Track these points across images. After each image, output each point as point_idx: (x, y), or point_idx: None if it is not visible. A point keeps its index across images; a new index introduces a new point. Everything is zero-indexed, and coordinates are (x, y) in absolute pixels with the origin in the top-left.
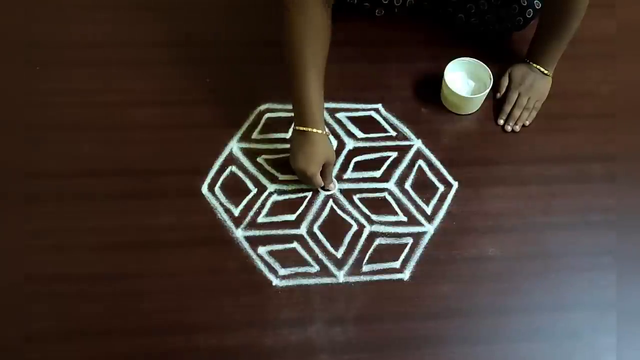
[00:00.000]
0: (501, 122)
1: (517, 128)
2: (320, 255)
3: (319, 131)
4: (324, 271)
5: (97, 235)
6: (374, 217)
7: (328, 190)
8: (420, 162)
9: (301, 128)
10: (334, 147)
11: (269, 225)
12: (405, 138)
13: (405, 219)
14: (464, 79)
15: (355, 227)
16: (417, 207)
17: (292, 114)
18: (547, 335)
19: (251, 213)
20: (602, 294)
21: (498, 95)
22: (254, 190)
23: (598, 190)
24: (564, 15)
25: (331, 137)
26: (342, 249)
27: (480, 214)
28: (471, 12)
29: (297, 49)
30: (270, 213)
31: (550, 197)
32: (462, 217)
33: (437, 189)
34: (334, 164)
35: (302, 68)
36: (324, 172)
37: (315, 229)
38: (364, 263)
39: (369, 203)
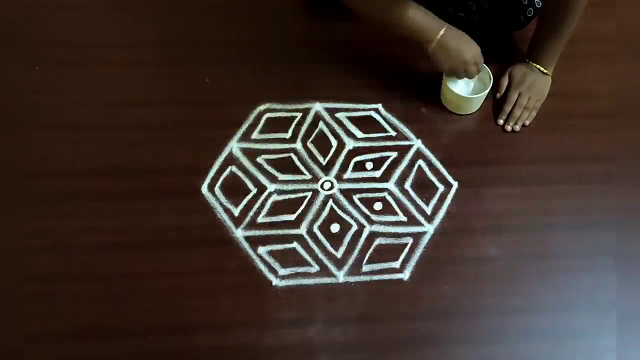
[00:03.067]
0: (501, 121)
1: (517, 128)
2: (320, 255)
3: (444, 28)
4: (324, 271)
5: (97, 235)
6: (373, 217)
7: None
8: (420, 162)
9: (434, 41)
10: (335, 146)
11: (268, 225)
12: (405, 138)
13: (405, 219)
14: (464, 79)
15: (355, 227)
16: (417, 207)
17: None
18: (547, 335)
19: (251, 213)
20: (602, 294)
21: (498, 95)
22: (254, 190)
23: (598, 190)
24: (562, 14)
25: (332, 136)
26: (342, 249)
27: (480, 214)
28: (472, 10)
29: None
30: (270, 213)
31: (550, 197)
32: (462, 217)
33: (437, 189)
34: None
35: (396, 9)
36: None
37: (315, 229)
38: (363, 263)
39: (369, 203)
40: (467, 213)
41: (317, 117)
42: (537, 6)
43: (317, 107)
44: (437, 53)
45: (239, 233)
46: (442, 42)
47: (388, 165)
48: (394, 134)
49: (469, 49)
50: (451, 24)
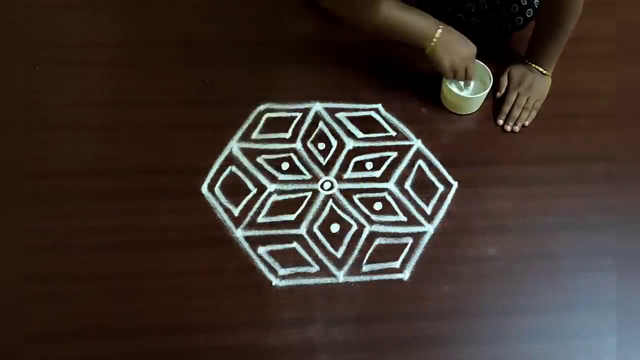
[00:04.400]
0: (500, 122)
1: (517, 128)
2: (320, 255)
3: (440, 29)
4: (324, 271)
5: (97, 235)
6: (373, 217)
7: (468, 86)
8: (420, 162)
9: (432, 42)
10: (335, 146)
11: (268, 225)
12: (405, 138)
13: (405, 219)
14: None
15: (355, 227)
16: (417, 207)
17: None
18: (547, 335)
19: (251, 213)
20: (602, 294)
21: (498, 95)
22: (254, 190)
23: (598, 190)
24: (559, 16)
25: (332, 136)
26: (342, 249)
27: (480, 214)
28: (471, 11)
29: None
30: (270, 213)
31: (550, 197)
32: (462, 217)
33: (437, 189)
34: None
35: (390, 17)
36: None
37: (315, 229)
38: (363, 263)
39: (369, 203)
40: (467, 213)
41: (317, 117)
42: (537, 7)
43: (317, 107)
44: (436, 52)
45: (239, 233)
46: (441, 41)
47: (388, 165)
48: (394, 134)
49: (467, 47)
50: (451, 25)
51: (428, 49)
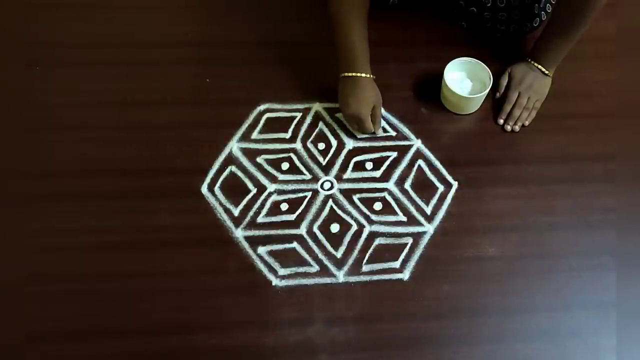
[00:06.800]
0: (501, 121)
1: (517, 128)
2: (320, 255)
3: (366, 75)
4: (324, 271)
5: (97, 235)
6: (373, 217)
7: (375, 134)
8: (420, 162)
9: (348, 74)
10: (335, 146)
11: (268, 225)
12: (405, 138)
13: (405, 219)
14: (463, 79)
15: (355, 227)
16: (417, 207)
17: (339, 62)
18: (547, 335)
19: (251, 213)
20: (602, 294)
21: (497, 94)
22: (254, 190)
23: (598, 190)
24: (575, 15)
25: (332, 136)
26: (341, 249)
27: (480, 214)
28: (486, 6)
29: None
30: (270, 213)
31: (550, 197)
32: (462, 217)
33: (436, 188)
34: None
35: (345, 15)
36: (374, 115)
37: (315, 229)
38: (363, 263)
39: (369, 203)
40: (467, 213)
41: (317, 117)
42: (549, 11)
43: (317, 107)
44: (343, 88)
45: (239, 233)
46: (349, 85)
47: (388, 165)
48: (394, 134)
49: (363, 108)
50: (461, 18)
51: (341, 75)
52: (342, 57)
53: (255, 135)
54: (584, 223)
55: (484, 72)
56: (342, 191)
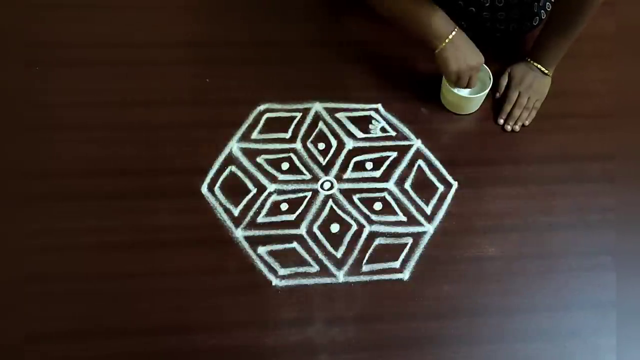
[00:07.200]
0: (501, 121)
1: (517, 128)
2: (320, 255)
3: (455, 31)
4: (324, 271)
5: (97, 235)
6: (373, 217)
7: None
8: (420, 162)
9: (443, 42)
10: (335, 146)
11: (268, 225)
12: (405, 138)
13: (405, 219)
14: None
15: (355, 227)
16: (417, 207)
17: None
18: (547, 335)
19: (251, 213)
20: (602, 294)
21: (497, 94)
22: (254, 190)
23: (598, 190)
24: (573, 14)
25: (332, 136)
26: (341, 249)
27: (480, 214)
28: (485, 6)
29: None
30: (270, 213)
31: (550, 197)
32: (462, 217)
33: (436, 188)
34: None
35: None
36: (472, 76)
37: (315, 229)
38: (363, 263)
39: (369, 203)
40: (467, 213)
41: (317, 117)
42: (549, 9)
43: (317, 107)
44: (445, 54)
45: (239, 233)
46: (453, 44)
47: (388, 165)
48: (393, 134)
49: (477, 56)
50: (461, 18)
51: (438, 49)
52: (428, 31)
53: (255, 135)
54: (584, 223)
55: (484, 72)
56: (342, 191)
